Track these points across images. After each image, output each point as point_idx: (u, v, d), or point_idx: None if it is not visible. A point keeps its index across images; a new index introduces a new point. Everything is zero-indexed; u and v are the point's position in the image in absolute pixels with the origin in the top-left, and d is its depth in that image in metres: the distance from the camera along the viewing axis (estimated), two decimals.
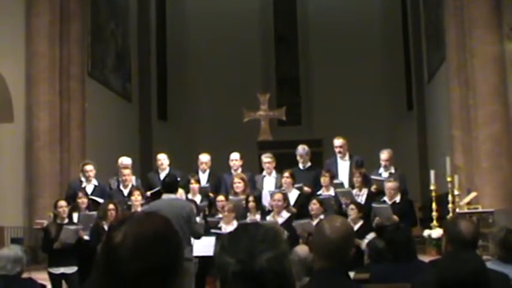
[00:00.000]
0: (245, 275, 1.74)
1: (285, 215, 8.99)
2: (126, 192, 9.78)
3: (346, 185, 9.78)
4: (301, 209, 9.23)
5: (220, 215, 9.17)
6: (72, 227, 8.60)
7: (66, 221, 8.74)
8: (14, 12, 13.32)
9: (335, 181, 9.66)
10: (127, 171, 10.07)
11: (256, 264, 1.73)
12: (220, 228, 8.71)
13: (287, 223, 8.74)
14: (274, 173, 10.13)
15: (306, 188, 9.68)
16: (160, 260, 1.72)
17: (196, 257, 7.95)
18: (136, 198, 9.14)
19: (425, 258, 6.15)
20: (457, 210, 10.85)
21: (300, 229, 8.52)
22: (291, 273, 1.80)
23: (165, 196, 7.63)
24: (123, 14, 19.11)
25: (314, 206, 8.79)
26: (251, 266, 1.73)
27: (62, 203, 8.89)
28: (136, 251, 1.69)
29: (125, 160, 10.50)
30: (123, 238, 1.71)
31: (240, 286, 1.75)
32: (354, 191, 9.41)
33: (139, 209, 8.92)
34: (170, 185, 7.60)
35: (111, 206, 8.73)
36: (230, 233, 1.89)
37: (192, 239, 7.56)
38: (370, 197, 9.32)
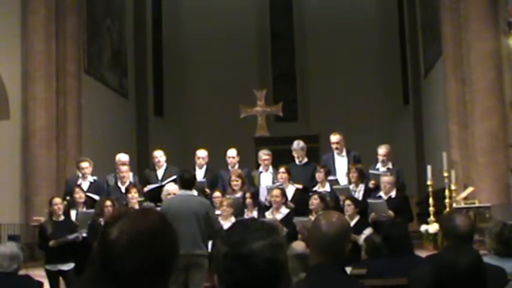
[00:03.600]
0: (233, 256, 1.75)
1: (284, 211, 8.99)
2: (123, 188, 9.77)
3: (344, 180, 9.77)
4: (298, 204, 9.23)
5: (217, 211, 9.16)
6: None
7: (62, 218, 8.73)
8: (10, 9, 13.29)
9: (330, 177, 9.65)
10: (125, 168, 10.05)
11: (245, 248, 1.75)
12: None
13: (286, 219, 8.73)
14: (270, 169, 10.14)
15: (296, 185, 9.67)
16: (155, 255, 1.72)
17: None
18: (133, 195, 9.13)
19: (422, 253, 6.16)
20: (454, 205, 10.86)
21: (300, 226, 8.52)
22: (284, 264, 1.80)
23: (182, 192, 7.63)
24: (119, 10, 19.08)
25: (315, 201, 8.77)
26: (240, 248, 1.75)
27: (57, 200, 8.87)
28: (132, 247, 1.70)
29: (123, 157, 10.48)
30: (119, 234, 1.71)
31: (228, 267, 1.76)
32: (351, 187, 9.41)
33: (136, 205, 8.92)
34: (188, 182, 7.60)
35: (108, 203, 8.73)
36: (230, 226, 1.92)
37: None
38: (367, 193, 9.32)
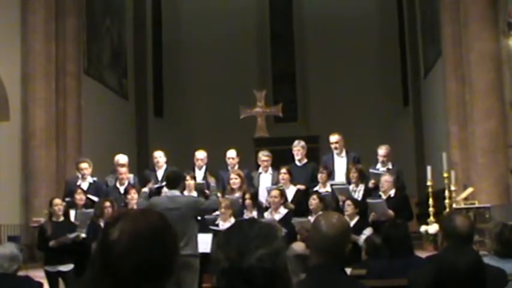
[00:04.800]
0: (233, 273, 1.74)
1: (283, 211, 8.98)
2: (122, 189, 9.78)
3: (343, 180, 9.78)
4: (299, 205, 9.23)
5: (217, 212, 9.15)
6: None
7: (62, 218, 8.72)
8: (10, 10, 13.28)
9: (334, 182, 9.64)
10: (123, 170, 10.04)
11: (244, 262, 1.73)
12: (217, 225, 8.70)
13: (285, 220, 8.72)
14: (270, 170, 10.13)
15: (299, 186, 9.68)
16: (156, 256, 1.72)
17: None
18: (133, 196, 9.13)
19: (423, 254, 6.16)
20: (454, 205, 10.86)
21: (298, 226, 8.52)
22: (284, 270, 1.79)
23: (168, 192, 7.60)
24: (118, 10, 19.08)
25: (314, 201, 8.77)
26: (239, 263, 1.73)
27: (57, 201, 8.87)
28: (132, 248, 1.69)
29: (121, 159, 10.47)
30: (119, 235, 1.71)
31: (228, 283, 1.75)
32: (351, 187, 9.41)
33: (135, 206, 8.90)
34: (173, 181, 7.57)
35: (107, 204, 8.73)
36: (227, 229, 1.89)
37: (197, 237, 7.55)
38: (367, 193, 9.31)
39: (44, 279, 7.78)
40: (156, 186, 9.79)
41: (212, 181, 9.88)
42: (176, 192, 7.49)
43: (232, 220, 8.56)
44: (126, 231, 1.72)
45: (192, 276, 7.21)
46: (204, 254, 7.49)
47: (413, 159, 18.96)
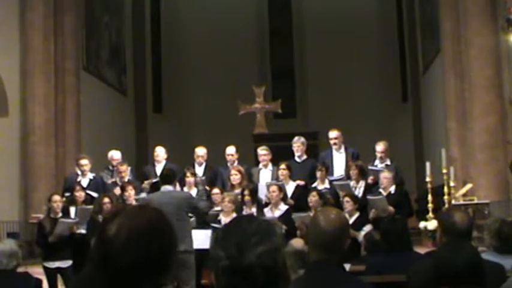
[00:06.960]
0: (233, 270, 1.73)
1: (283, 207, 8.97)
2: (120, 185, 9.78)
3: (342, 174, 9.79)
4: (298, 201, 9.22)
5: (216, 208, 9.15)
6: (68, 220, 8.60)
7: (60, 215, 8.71)
8: (8, 6, 13.26)
9: (332, 178, 9.63)
10: (123, 167, 10.04)
11: (245, 260, 1.72)
12: (219, 221, 8.68)
13: (285, 216, 8.72)
14: (270, 166, 10.12)
15: (298, 181, 9.67)
16: (154, 252, 1.72)
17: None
18: (129, 192, 9.13)
19: (421, 250, 6.15)
20: (453, 201, 10.86)
21: (298, 222, 8.51)
22: (283, 267, 1.79)
23: (163, 188, 7.63)
24: (117, 7, 19.06)
25: (313, 198, 8.77)
26: (240, 261, 1.73)
27: (56, 197, 8.85)
28: (130, 244, 1.70)
29: (115, 154, 10.46)
30: (117, 231, 1.71)
31: (228, 281, 1.74)
32: (351, 183, 9.41)
33: (133, 202, 8.91)
34: (168, 177, 7.62)
35: (106, 200, 8.73)
36: (225, 225, 1.89)
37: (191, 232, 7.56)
38: (368, 189, 9.31)
39: (42, 276, 7.78)
40: (152, 181, 9.79)
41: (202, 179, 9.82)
42: (170, 188, 7.53)
43: (234, 216, 8.55)
44: (123, 227, 1.72)
45: (188, 272, 7.21)
46: (202, 250, 7.49)
47: (412, 155, 18.96)
